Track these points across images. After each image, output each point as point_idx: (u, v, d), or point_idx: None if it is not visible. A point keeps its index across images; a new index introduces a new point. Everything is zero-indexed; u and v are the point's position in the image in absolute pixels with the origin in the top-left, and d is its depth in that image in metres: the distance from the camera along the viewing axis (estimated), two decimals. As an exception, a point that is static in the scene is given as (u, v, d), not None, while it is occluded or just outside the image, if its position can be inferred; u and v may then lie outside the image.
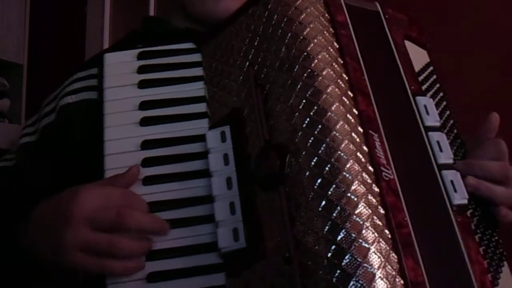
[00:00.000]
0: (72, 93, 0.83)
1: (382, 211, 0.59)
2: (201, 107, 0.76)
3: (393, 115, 0.68)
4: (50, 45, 2.20)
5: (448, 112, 0.78)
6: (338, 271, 0.56)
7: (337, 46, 0.69)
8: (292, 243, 0.59)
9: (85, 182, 0.67)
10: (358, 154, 0.62)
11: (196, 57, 0.79)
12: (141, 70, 0.78)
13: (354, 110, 0.65)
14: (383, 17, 0.77)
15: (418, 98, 0.73)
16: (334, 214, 0.58)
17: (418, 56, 0.80)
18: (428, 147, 0.69)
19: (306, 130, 0.63)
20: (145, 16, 1.74)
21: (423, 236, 0.60)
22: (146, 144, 0.73)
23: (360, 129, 0.64)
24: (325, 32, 0.69)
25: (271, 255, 0.61)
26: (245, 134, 0.69)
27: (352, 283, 0.55)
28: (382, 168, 0.62)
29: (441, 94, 0.78)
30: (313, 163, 0.61)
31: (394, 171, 0.63)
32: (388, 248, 0.57)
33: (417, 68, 0.77)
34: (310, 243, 0.58)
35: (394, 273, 0.56)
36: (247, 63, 0.72)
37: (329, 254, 0.56)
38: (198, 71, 0.78)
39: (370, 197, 0.59)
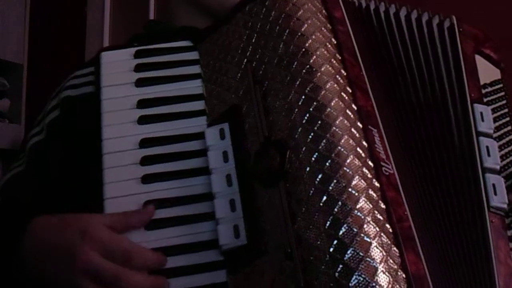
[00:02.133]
0: (73, 88, 0.83)
1: (383, 206, 0.60)
2: (199, 105, 0.76)
3: (395, 111, 0.69)
4: (50, 45, 2.19)
5: (510, 128, 0.79)
6: (341, 266, 0.56)
7: (335, 42, 0.69)
8: (293, 238, 0.59)
9: (86, 180, 0.67)
10: (358, 149, 0.62)
11: (194, 55, 0.79)
12: (138, 68, 0.78)
13: (353, 106, 0.65)
14: (457, 30, 0.79)
15: (476, 105, 0.75)
16: (336, 209, 0.58)
17: (489, 72, 0.82)
18: (476, 150, 0.72)
19: (306, 126, 0.63)
20: (147, 20, 1.74)
21: (425, 231, 0.61)
22: (145, 143, 0.73)
23: (359, 124, 0.64)
24: (323, 28, 0.69)
25: (272, 251, 0.61)
26: (244, 131, 0.69)
27: (354, 277, 0.55)
28: (382, 163, 0.62)
29: (506, 110, 0.80)
30: (313, 158, 0.61)
31: (393, 166, 0.63)
32: (389, 242, 0.58)
33: (483, 81, 0.79)
34: (312, 238, 0.58)
35: (395, 266, 0.57)
36: (245, 60, 0.72)
37: (331, 249, 0.57)
38: (195, 69, 0.78)
39: (371, 192, 0.60)
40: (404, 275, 0.57)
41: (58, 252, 0.64)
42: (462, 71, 0.76)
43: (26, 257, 0.67)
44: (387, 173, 0.62)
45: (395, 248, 0.58)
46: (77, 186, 0.76)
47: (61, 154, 0.79)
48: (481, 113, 0.75)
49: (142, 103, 0.75)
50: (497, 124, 0.77)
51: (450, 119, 0.73)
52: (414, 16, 0.79)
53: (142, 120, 0.74)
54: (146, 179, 0.70)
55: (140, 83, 0.77)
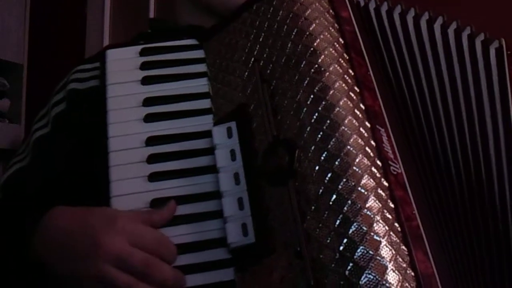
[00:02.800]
0: (79, 81, 0.82)
1: (391, 205, 0.60)
2: (205, 103, 0.76)
3: (401, 110, 0.70)
4: (50, 45, 2.18)
5: None
6: (351, 264, 0.56)
7: (343, 42, 0.69)
8: (303, 237, 0.59)
9: (92, 177, 0.66)
10: (367, 148, 0.62)
11: (199, 54, 0.79)
12: (144, 66, 0.78)
13: (361, 105, 0.65)
14: (505, 52, 0.77)
15: None
16: (345, 208, 0.58)
17: None
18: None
19: (314, 125, 0.63)
20: (152, 18, 1.74)
21: (433, 230, 0.61)
22: (151, 141, 0.73)
23: (367, 124, 0.64)
24: (330, 28, 0.70)
25: (281, 249, 0.62)
26: (252, 130, 0.69)
27: (365, 275, 0.55)
28: (390, 162, 0.63)
29: None
30: (322, 157, 0.61)
31: (401, 165, 0.64)
32: (398, 241, 0.58)
33: None
34: (321, 237, 0.58)
35: (405, 265, 0.57)
36: (252, 59, 0.72)
37: (341, 248, 0.57)
38: (201, 67, 0.78)
39: (379, 191, 0.60)
40: (413, 274, 0.57)
41: (80, 238, 0.63)
42: (508, 94, 0.74)
43: (40, 249, 0.66)
44: (395, 172, 0.62)
45: (403, 247, 0.58)
46: (83, 181, 0.75)
47: (68, 148, 0.79)
48: None
49: (148, 101, 0.75)
50: None
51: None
52: (425, 18, 0.78)
53: (148, 118, 0.74)
54: (153, 177, 0.70)
55: (146, 81, 0.77)
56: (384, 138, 0.64)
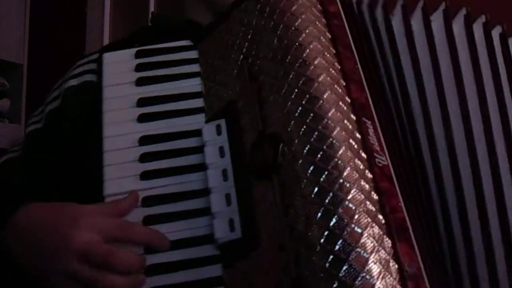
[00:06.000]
0: (75, 77, 0.85)
1: (375, 197, 0.59)
2: (198, 103, 0.76)
3: (389, 104, 0.69)
4: (50, 45, 2.22)
5: None
6: (331, 256, 0.55)
7: (330, 36, 0.69)
8: (285, 230, 0.59)
9: (86, 170, 0.67)
10: (351, 140, 0.61)
11: (193, 54, 0.80)
12: (139, 68, 0.79)
13: (347, 98, 0.65)
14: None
15: None
16: (327, 200, 0.58)
17: None
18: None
19: (298, 119, 0.63)
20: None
21: (421, 223, 0.60)
22: (144, 140, 0.74)
23: (353, 116, 0.63)
24: (317, 23, 0.69)
25: (266, 243, 0.61)
26: (240, 126, 0.69)
27: (345, 267, 0.55)
28: (376, 155, 0.62)
29: None
30: (305, 151, 0.61)
31: (388, 157, 0.63)
32: (381, 233, 0.57)
33: None
34: (303, 230, 0.58)
35: (388, 257, 0.56)
36: (241, 57, 0.72)
37: (322, 240, 0.56)
38: (194, 68, 0.79)
39: (363, 183, 0.59)
40: (396, 266, 0.56)
41: (50, 233, 0.64)
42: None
43: (10, 240, 0.67)
44: (380, 165, 0.61)
45: (387, 239, 0.57)
46: (73, 178, 0.77)
47: (58, 144, 0.80)
48: None
49: (142, 102, 0.76)
50: None
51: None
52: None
53: (142, 118, 0.75)
54: (145, 175, 0.71)
55: (140, 82, 0.78)
56: (370, 131, 0.64)
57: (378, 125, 0.65)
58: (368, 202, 0.58)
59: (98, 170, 0.72)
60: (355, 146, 0.61)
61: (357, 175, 0.59)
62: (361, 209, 0.57)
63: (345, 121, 0.63)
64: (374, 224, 0.57)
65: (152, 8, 1.98)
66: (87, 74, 0.84)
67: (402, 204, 0.60)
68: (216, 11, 0.88)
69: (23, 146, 0.83)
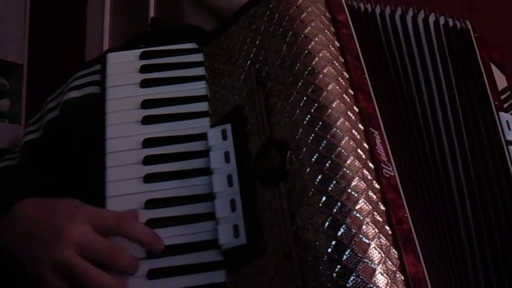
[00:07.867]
0: (76, 89, 0.83)
1: (382, 207, 0.59)
2: (203, 106, 0.76)
3: (396, 114, 0.69)
4: (50, 45, 2.20)
5: None
6: (339, 266, 0.56)
7: (338, 45, 0.69)
8: (292, 238, 0.59)
9: (88, 178, 0.67)
10: (359, 150, 0.62)
11: (198, 57, 0.80)
12: (143, 69, 0.79)
13: (355, 108, 0.65)
14: (473, 36, 0.79)
15: (501, 113, 0.75)
16: (335, 210, 0.58)
17: (498, 80, 0.81)
18: (508, 159, 0.72)
19: (307, 127, 0.63)
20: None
21: (427, 235, 0.60)
22: (148, 142, 0.73)
23: (360, 126, 0.64)
24: (326, 31, 0.70)
25: (271, 251, 0.61)
26: (246, 132, 0.69)
27: (352, 278, 0.55)
28: (383, 165, 0.62)
29: None
30: (313, 159, 0.61)
31: (394, 168, 0.63)
32: (388, 244, 0.57)
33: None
34: (310, 239, 0.58)
35: (394, 268, 0.56)
36: (249, 62, 0.72)
37: (329, 249, 0.56)
38: (200, 71, 0.79)
39: (370, 193, 0.60)
40: (403, 277, 0.56)
41: (45, 227, 0.63)
42: (484, 80, 0.75)
43: (3, 235, 0.66)
44: (387, 175, 0.62)
45: (394, 250, 0.57)
46: (70, 191, 0.76)
47: (57, 157, 0.80)
48: (507, 122, 0.75)
49: (146, 104, 0.76)
50: None
51: (480, 128, 0.73)
52: (421, 17, 0.78)
53: (146, 120, 0.75)
54: (148, 178, 0.71)
55: (144, 84, 0.78)
56: (378, 141, 0.64)
57: (385, 135, 0.65)
58: (375, 213, 0.58)
59: (101, 172, 0.71)
60: (363, 156, 0.62)
61: (365, 185, 0.60)
62: (368, 220, 0.58)
63: (353, 131, 0.63)
64: (381, 235, 0.57)
65: (152, 6, 1.97)
66: (89, 86, 0.83)
67: (408, 215, 0.61)
68: (219, 17, 0.88)
69: (20, 155, 0.82)
